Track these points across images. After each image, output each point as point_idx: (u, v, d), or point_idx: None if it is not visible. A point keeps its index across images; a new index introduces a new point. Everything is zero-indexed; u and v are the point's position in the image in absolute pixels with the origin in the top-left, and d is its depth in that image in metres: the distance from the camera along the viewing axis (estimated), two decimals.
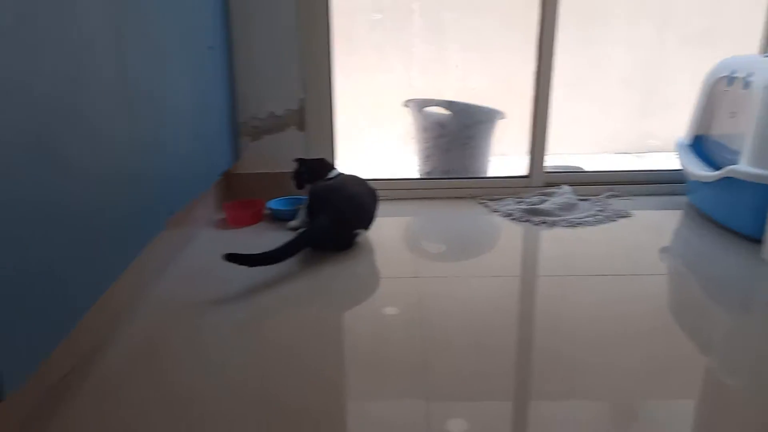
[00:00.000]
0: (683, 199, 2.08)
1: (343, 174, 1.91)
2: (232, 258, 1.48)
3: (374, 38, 3.39)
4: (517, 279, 1.54)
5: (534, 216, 1.92)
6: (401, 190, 2.18)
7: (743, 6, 3.13)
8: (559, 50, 2.05)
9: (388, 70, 3.34)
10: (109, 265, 1.15)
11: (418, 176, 2.28)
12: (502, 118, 2.33)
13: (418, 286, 1.47)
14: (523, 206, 2.00)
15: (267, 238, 1.83)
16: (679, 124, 3.57)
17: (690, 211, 1.98)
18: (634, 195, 2.15)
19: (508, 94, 2.94)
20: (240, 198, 2.11)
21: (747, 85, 1.70)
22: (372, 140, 2.89)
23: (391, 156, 2.64)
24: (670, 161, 3.30)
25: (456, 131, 2.24)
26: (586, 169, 2.45)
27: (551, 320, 1.31)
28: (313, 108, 2.15)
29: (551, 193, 2.10)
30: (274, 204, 2.04)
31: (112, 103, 1.15)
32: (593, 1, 3.33)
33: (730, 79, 1.80)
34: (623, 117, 3.59)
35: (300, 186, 1.94)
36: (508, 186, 2.19)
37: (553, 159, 2.19)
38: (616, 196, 2.13)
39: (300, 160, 1.97)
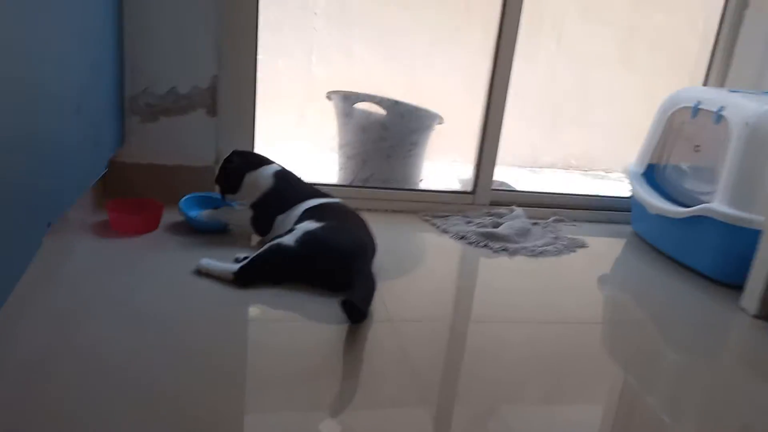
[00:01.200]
0: (626, 228, 2.00)
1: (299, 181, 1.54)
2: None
3: (269, 16, 2.96)
4: (506, 324, 1.29)
5: (492, 241, 1.69)
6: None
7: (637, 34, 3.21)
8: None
9: (285, 54, 2.93)
10: None
11: (350, 183, 1.94)
12: (441, 122, 2.08)
13: (389, 331, 1.15)
14: (478, 228, 1.76)
15: (173, 254, 1.38)
16: (567, 142, 3.62)
17: (637, 243, 1.89)
18: (576, 220, 2.02)
19: (413, 92, 2.69)
20: (125, 196, 1.60)
21: (719, 119, 1.62)
22: (276, 134, 2.46)
23: (301, 154, 2.26)
24: (566, 182, 3.33)
25: (401, 135, 1.95)
26: (514, 186, 2.28)
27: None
28: (229, 89, 1.71)
29: (501, 215, 1.89)
30: (187, 206, 1.55)
31: None
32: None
33: (695, 110, 1.72)
34: (516, 132, 3.54)
35: (232, 190, 1.50)
36: (451, 202, 1.94)
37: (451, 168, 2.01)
38: (561, 220, 1.98)
39: (237, 155, 1.52)
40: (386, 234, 1.47)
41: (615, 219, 2.05)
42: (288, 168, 1.55)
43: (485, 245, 1.68)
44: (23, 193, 0.86)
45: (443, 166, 2.31)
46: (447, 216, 1.87)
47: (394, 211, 1.89)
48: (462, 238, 1.71)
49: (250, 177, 1.48)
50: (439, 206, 1.91)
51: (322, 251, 1.26)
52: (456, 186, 2.09)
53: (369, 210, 1.85)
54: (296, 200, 1.44)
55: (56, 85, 1.00)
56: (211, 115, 1.71)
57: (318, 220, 1.32)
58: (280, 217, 1.43)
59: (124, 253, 1.37)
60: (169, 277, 1.26)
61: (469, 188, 1.97)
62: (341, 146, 1.95)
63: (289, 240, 1.26)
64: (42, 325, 1.03)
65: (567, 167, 3.65)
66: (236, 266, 1.25)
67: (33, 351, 0.96)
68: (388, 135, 1.93)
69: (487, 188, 1.95)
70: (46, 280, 1.16)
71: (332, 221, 1.32)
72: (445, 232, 1.76)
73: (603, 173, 3.56)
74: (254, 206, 1.46)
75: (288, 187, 1.48)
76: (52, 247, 1.20)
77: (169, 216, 1.55)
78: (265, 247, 1.27)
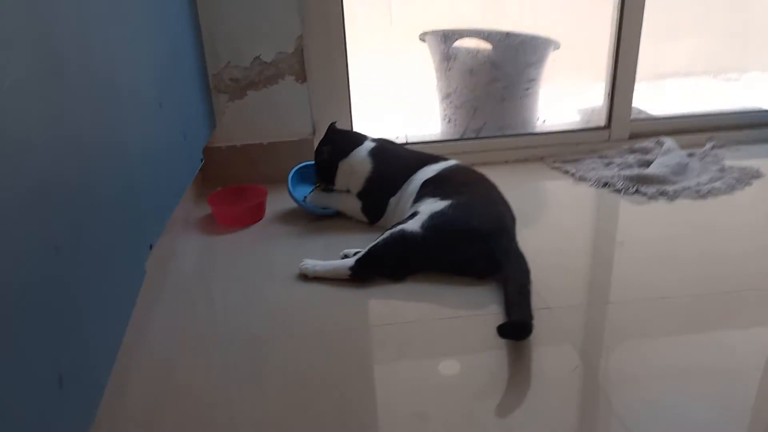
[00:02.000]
0: None
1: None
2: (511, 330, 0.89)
3: None
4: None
5: (645, 185, 1.42)
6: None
7: None
8: None
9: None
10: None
11: (462, 136, 1.70)
12: (557, 48, 1.77)
13: (546, 318, 0.94)
14: (622, 170, 1.49)
15: (284, 246, 1.24)
16: (682, 48, 3.10)
17: None
18: (740, 143, 1.67)
19: (504, 20, 2.34)
20: (227, 184, 1.48)
21: None
22: (371, 91, 2.23)
23: (404, 111, 2.01)
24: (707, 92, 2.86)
25: (515, 72, 1.67)
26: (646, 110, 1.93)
27: None
28: (317, 49, 1.52)
29: (647, 150, 1.59)
30: (294, 182, 1.40)
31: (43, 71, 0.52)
32: None
33: None
34: None
35: (329, 182, 1.33)
36: (583, 141, 1.66)
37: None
38: (720, 146, 1.65)
39: (325, 143, 1.34)
40: (514, 190, 1.23)
41: None
42: (385, 138, 1.37)
43: (636, 191, 1.41)
44: (120, 221, 0.72)
45: (555, 98, 1.98)
46: (580, 159, 1.60)
47: (517, 161, 1.65)
48: (606, 185, 1.45)
49: (344, 166, 1.29)
50: (569, 148, 1.65)
51: (456, 235, 1.06)
52: (576, 119, 1.79)
53: (487, 164, 1.63)
54: (406, 175, 1.25)
55: (133, 81, 0.86)
56: (300, 81, 1.53)
57: (442, 196, 1.12)
58: (393, 199, 1.25)
59: (234, 248, 1.25)
60: (284, 272, 1.12)
61: (601, 122, 1.68)
62: (446, 95, 1.71)
63: (413, 226, 1.07)
64: (168, 331, 0.93)
65: (688, 74, 3.16)
66: (351, 261, 1.08)
67: (160, 358, 0.86)
68: (500, 74, 1.66)
69: (625, 119, 1.65)
70: (162, 284, 1.07)
71: (459, 195, 1.11)
72: (582, 179, 1.50)
73: (736, 77, 3.04)
74: (361, 195, 1.29)
75: (391, 164, 1.28)
76: (161, 250, 1.10)
77: (275, 198, 1.41)
78: (385, 235, 1.08)
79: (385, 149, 1.32)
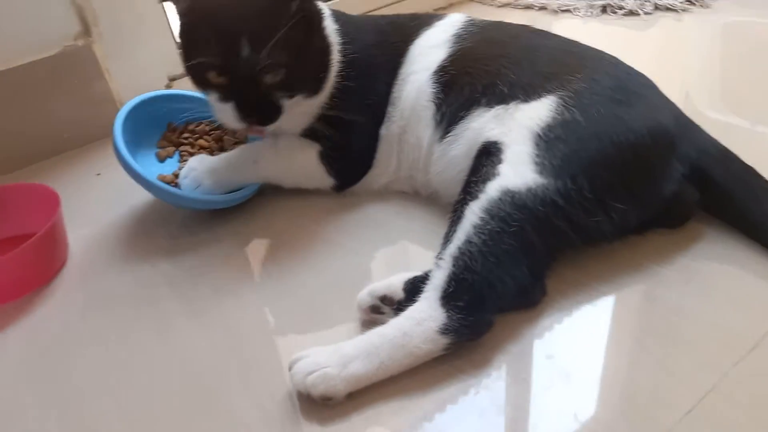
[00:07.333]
0: None
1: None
2: None
3: None
4: None
5: None
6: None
7: None
8: None
9: None
10: None
11: None
12: None
13: None
14: None
15: (179, 328, 0.49)
16: None
17: None
18: None
19: None
20: None
21: None
22: None
23: None
24: None
25: None
26: None
27: None
28: None
29: None
30: (132, 146, 0.57)
31: None
32: None
33: None
34: None
35: (313, 90, 0.55)
36: None
37: None
38: None
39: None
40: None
41: None
42: None
43: (655, 5, 0.93)
44: None
45: None
46: None
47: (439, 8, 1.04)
48: (605, 8, 0.94)
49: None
50: None
51: (634, 155, 0.46)
52: None
53: None
54: (392, 64, 0.59)
55: None
56: None
57: (524, 92, 0.49)
58: (385, 127, 0.59)
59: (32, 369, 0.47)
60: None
61: None
62: None
63: (524, 177, 0.44)
64: None
65: None
66: (427, 310, 0.41)
67: None
68: None
69: None
70: None
71: (554, 79, 0.50)
72: (563, 9, 0.97)
73: None
74: (324, 127, 0.57)
75: (368, 44, 0.59)
76: None
77: (74, 203, 0.63)
78: (471, 217, 0.43)
79: (344, 15, 0.61)
